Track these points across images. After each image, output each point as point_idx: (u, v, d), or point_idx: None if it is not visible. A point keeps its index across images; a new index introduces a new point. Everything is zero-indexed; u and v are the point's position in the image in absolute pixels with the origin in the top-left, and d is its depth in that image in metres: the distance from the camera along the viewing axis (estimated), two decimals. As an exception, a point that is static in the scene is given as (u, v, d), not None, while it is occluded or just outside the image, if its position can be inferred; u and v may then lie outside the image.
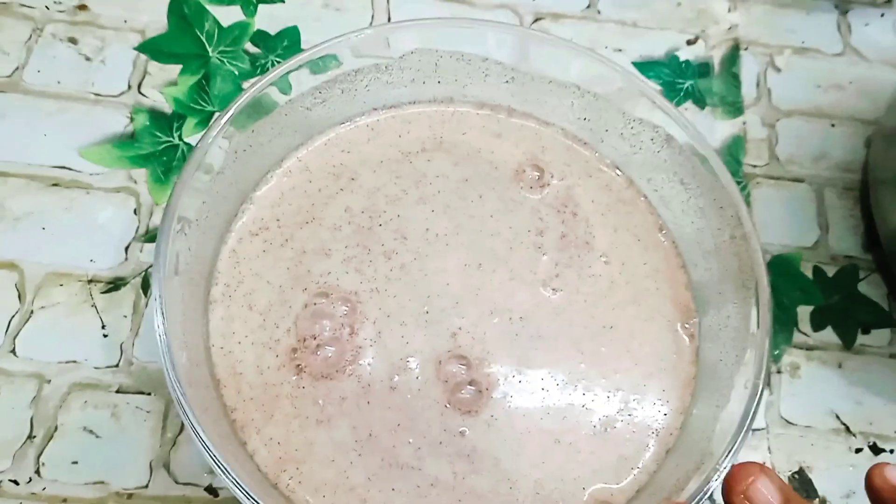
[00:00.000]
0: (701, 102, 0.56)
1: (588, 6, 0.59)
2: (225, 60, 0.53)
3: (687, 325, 0.42)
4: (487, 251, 0.43)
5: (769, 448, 0.46)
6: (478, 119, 0.47)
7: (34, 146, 0.49)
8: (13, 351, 0.44)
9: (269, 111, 0.42)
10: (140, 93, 0.52)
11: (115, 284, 0.46)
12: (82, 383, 0.44)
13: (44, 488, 0.42)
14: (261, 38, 0.55)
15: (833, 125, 0.56)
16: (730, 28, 0.59)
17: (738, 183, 0.41)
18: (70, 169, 0.49)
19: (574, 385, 0.40)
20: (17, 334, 0.45)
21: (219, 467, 0.33)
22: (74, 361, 0.44)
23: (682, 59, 0.57)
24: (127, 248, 0.47)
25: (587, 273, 0.43)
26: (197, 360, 0.38)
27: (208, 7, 0.55)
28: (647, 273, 0.44)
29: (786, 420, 0.47)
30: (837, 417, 0.47)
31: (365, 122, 0.46)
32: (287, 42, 0.55)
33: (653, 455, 0.39)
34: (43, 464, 0.42)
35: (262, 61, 0.54)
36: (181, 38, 0.54)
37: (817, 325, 0.50)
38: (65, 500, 0.42)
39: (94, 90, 0.52)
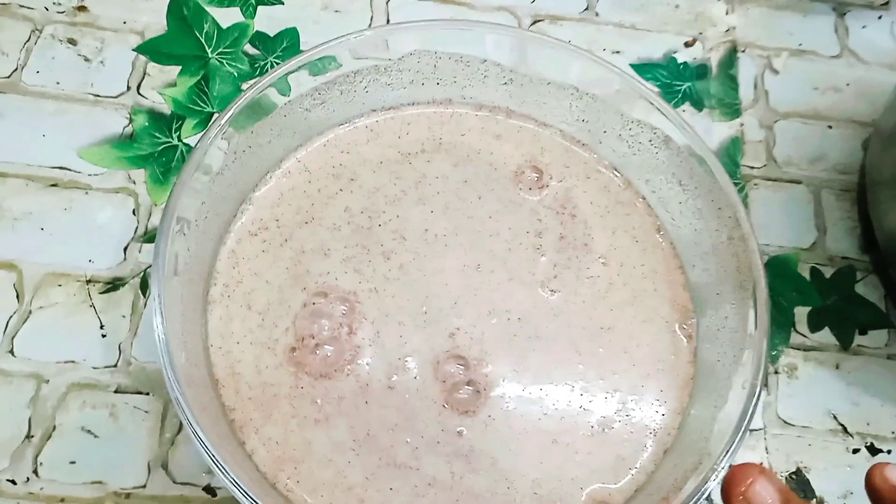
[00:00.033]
0: (699, 104, 0.56)
1: (586, 8, 0.59)
2: (224, 62, 0.54)
3: (685, 326, 0.42)
4: (486, 252, 0.43)
5: (767, 448, 0.46)
6: (477, 120, 0.47)
7: (33, 147, 0.49)
8: (11, 351, 0.44)
9: (268, 112, 0.43)
10: (139, 94, 0.52)
11: (114, 285, 0.46)
12: (80, 383, 0.44)
13: (42, 488, 0.42)
14: (260, 39, 0.55)
15: (830, 127, 0.56)
16: (727, 30, 0.59)
17: (736, 184, 0.41)
18: (69, 169, 0.49)
19: (572, 386, 0.40)
20: (15, 334, 0.45)
21: (217, 467, 0.33)
22: (73, 361, 0.44)
23: (679, 61, 0.58)
24: (126, 249, 0.47)
25: (585, 274, 0.43)
26: (195, 360, 0.38)
27: (208, 8, 0.55)
28: (645, 274, 0.44)
29: (783, 420, 0.47)
30: (835, 418, 0.47)
31: (364, 123, 0.46)
32: (286, 44, 0.55)
33: (651, 455, 0.39)
34: (41, 463, 0.42)
35: (262, 63, 0.54)
36: (180, 40, 0.54)
37: (815, 326, 0.50)
38: (62, 500, 0.42)
39: (94, 91, 0.52)
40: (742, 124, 0.56)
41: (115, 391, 0.44)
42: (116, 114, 0.51)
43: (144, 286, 0.46)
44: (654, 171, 0.45)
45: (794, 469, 0.46)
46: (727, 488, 0.31)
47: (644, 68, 0.57)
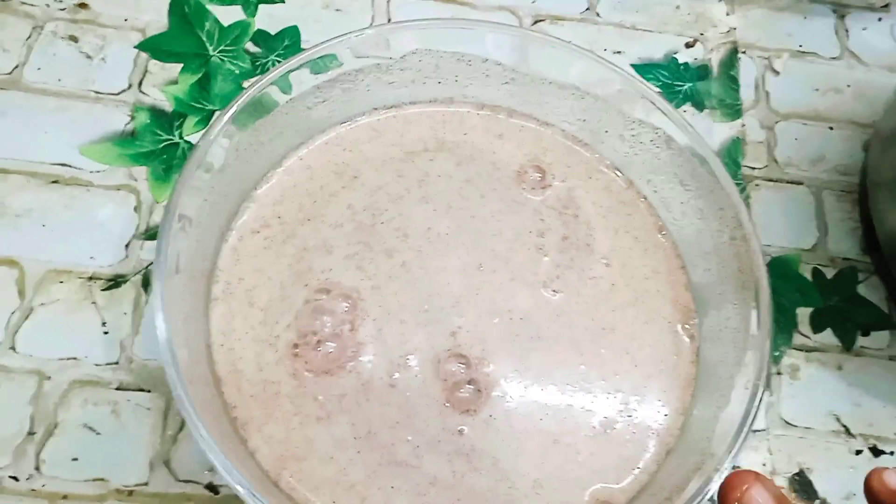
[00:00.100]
0: (699, 105, 0.56)
1: (587, 9, 0.59)
2: (225, 59, 0.53)
3: (687, 326, 0.42)
4: (488, 251, 0.43)
5: (769, 449, 0.46)
6: (479, 119, 0.47)
7: (35, 144, 0.49)
8: (13, 348, 0.44)
9: (269, 110, 0.43)
10: (141, 91, 0.52)
11: (116, 282, 0.46)
12: (82, 380, 0.44)
13: (44, 485, 0.42)
14: (261, 37, 0.55)
15: (831, 128, 0.57)
16: (728, 31, 0.59)
17: (737, 185, 0.41)
18: (70, 166, 0.49)
19: (573, 386, 0.40)
20: (17, 331, 0.45)
21: (220, 466, 0.33)
22: (75, 358, 0.44)
23: (680, 61, 0.58)
24: (127, 246, 0.47)
25: (588, 275, 0.43)
26: (197, 357, 0.38)
27: (209, 6, 0.55)
28: (647, 275, 0.44)
29: (786, 421, 0.47)
30: (837, 419, 0.47)
31: (366, 121, 0.46)
32: (287, 42, 0.55)
33: (653, 455, 0.39)
34: (43, 460, 0.42)
35: (263, 61, 0.54)
36: (182, 37, 0.54)
37: (817, 326, 0.50)
38: (65, 497, 0.42)
39: (95, 88, 0.52)
40: (743, 125, 0.56)
41: (117, 388, 0.44)
42: (118, 111, 0.51)
43: (146, 283, 0.46)
44: (655, 171, 0.45)
45: (796, 470, 0.46)
46: (723, 494, 0.31)
47: (645, 69, 0.57)
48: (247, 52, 0.54)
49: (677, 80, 0.57)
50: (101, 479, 0.42)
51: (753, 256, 0.40)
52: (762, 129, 0.56)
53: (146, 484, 0.42)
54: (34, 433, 0.43)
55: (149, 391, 0.44)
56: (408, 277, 0.41)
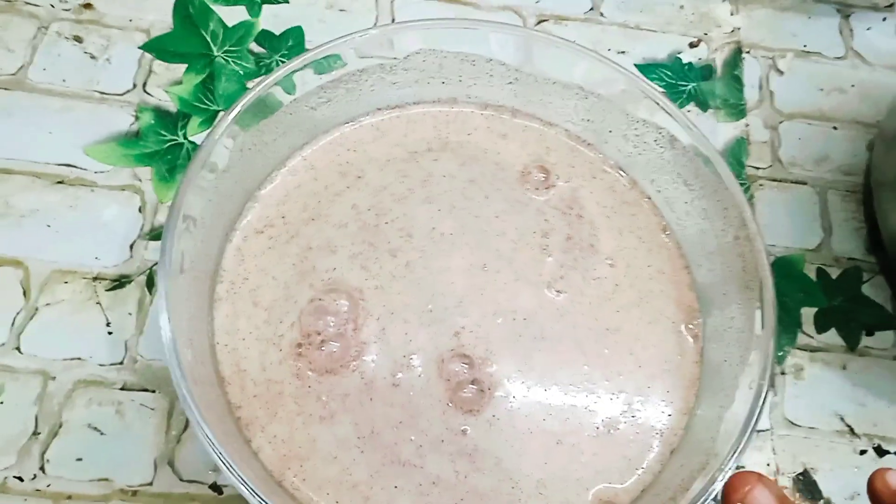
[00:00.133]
0: (703, 105, 0.56)
1: (591, 9, 0.59)
2: (230, 60, 0.54)
3: (691, 326, 0.42)
4: (492, 251, 0.43)
5: (773, 449, 0.46)
6: (482, 119, 0.47)
7: (39, 144, 0.49)
8: (18, 348, 0.44)
9: (273, 110, 0.43)
10: (145, 91, 0.52)
11: (120, 282, 0.46)
12: (87, 380, 0.44)
13: (48, 485, 0.42)
14: (265, 38, 0.55)
15: (835, 128, 0.56)
16: (732, 31, 0.59)
17: (741, 185, 0.41)
18: (75, 167, 0.49)
19: (577, 387, 0.40)
20: (21, 331, 0.45)
21: (225, 466, 0.33)
22: (79, 359, 0.44)
23: (684, 61, 0.58)
24: (132, 246, 0.47)
25: (592, 275, 0.43)
26: (202, 357, 0.38)
27: (213, 7, 0.55)
28: (651, 275, 0.44)
29: (790, 421, 0.47)
30: (842, 419, 0.47)
31: (370, 121, 0.46)
32: (291, 42, 0.55)
33: (657, 455, 0.39)
34: (47, 460, 0.42)
35: (267, 61, 0.54)
36: (186, 38, 0.54)
37: (821, 326, 0.50)
38: (69, 497, 0.42)
39: (100, 88, 0.52)
40: (747, 125, 0.56)
41: (122, 388, 0.44)
42: (122, 111, 0.51)
43: (150, 284, 0.46)
44: (659, 171, 0.45)
45: (800, 470, 0.46)
46: (726, 496, 0.31)
47: (649, 69, 0.57)
48: (251, 52, 0.54)
49: (681, 80, 0.57)
50: (106, 479, 0.42)
51: (757, 256, 0.40)
52: (766, 129, 0.56)
53: (150, 484, 0.42)
54: (39, 433, 0.43)
55: (153, 391, 0.44)
56: (412, 277, 0.41)
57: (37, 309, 0.45)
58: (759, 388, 0.37)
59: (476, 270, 0.42)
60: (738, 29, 0.59)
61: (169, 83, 0.52)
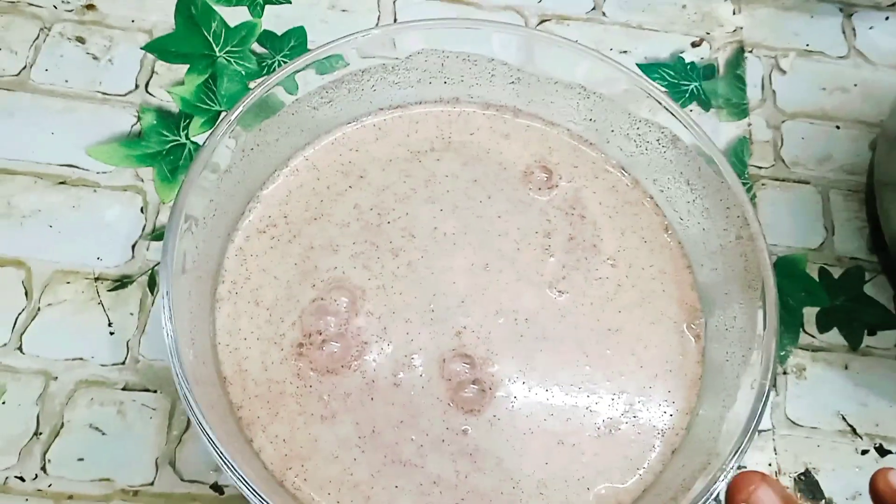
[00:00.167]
0: (706, 104, 0.56)
1: (593, 8, 0.59)
2: (232, 60, 0.54)
3: (693, 326, 0.42)
4: (495, 251, 0.43)
5: (775, 449, 0.46)
6: (484, 119, 0.47)
7: (42, 144, 0.50)
8: (20, 348, 0.44)
9: (275, 111, 0.43)
10: (147, 92, 0.52)
11: (122, 282, 0.46)
12: (88, 380, 0.44)
13: (50, 485, 0.42)
14: (267, 38, 0.55)
15: (838, 127, 0.56)
16: (734, 30, 0.59)
17: (744, 184, 0.41)
18: (77, 167, 0.49)
19: (578, 387, 0.40)
20: (24, 331, 0.45)
21: (226, 466, 0.33)
22: (81, 359, 0.44)
23: (687, 61, 0.57)
24: (134, 247, 0.47)
25: (594, 276, 0.43)
26: (203, 357, 0.38)
27: (215, 7, 0.55)
28: (653, 275, 0.44)
29: (792, 421, 0.47)
30: (844, 419, 0.47)
31: (372, 121, 0.46)
32: (294, 42, 0.55)
33: (658, 455, 0.39)
34: (49, 460, 0.42)
35: (269, 61, 0.54)
36: (188, 38, 0.54)
37: (823, 326, 0.50)
38: (70, 497, 0.42)
39: (102, 89, 0.52)
40: (749, 124, 0.56)
41: (123, 388, 0.44)
42: (124, 112, 0.51)
43: (152, 284, 0.46)
44: (661, 171, 0.45)
45: (802, 470, 0.46)
46: (730, 496, 0.31)
47: (651, 68, 0.57)
48: (253, 52, 0.54)
49: (683, 80, 0.57)
50: (107, 480, 0.42)
51: (760, 256, 0.40)
52: (769, 129, 0.56)
53: (151, 484, 0.42)
54: (40, 433, 0.43)
55: (154, 391, 0.44)
56: (414, 277, 0.42)
57: (39, 309, 0.45)
58: (761, 387, 0.37)
59: (478, 270, 0.42)
60: (741, 28, 0.59)
61: (171, 84, 0.52)
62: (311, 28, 0.56)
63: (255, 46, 0.54)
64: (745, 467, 0.38)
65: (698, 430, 0.39)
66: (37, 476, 0.42)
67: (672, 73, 0.57)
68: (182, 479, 0.42)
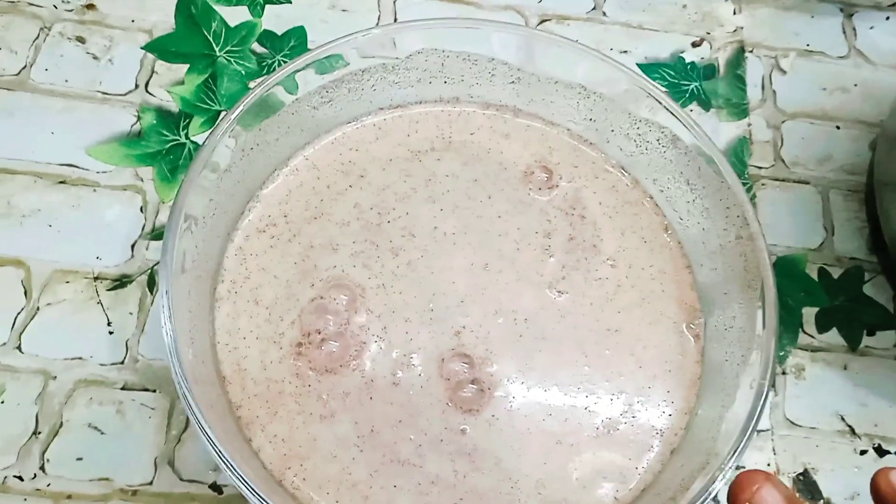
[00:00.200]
0: (706, 104, 0.56)
1: (593, 8, 0.59)
2: (232, 60, 0.54)
3: (692, 326, 0.42)
4: (495, 251, 0.43)
5: (774, 449, 0.46)
6: (485, 119, 0.47)
7: (41, 144, 0.50)
8: (19, 347, 0.44)
9: (275, 110, 0.43)
10: (147, 92, 0.52)
11: (121, 282, 0.46)
12: (88, 380, 0.44)
13: (48, 484, 0.42)
14: (268, 38, 0.55)
15: (838, 127, 0.56)
16: (735, 30, 0.59)
17: (744, 184, 0.41)
18: (77, 167, 0.49)
19: (577, 387, 0.40)
20: (23, 331, 0.45)
21: (226, 465, 0.33)
22: (80, 358, 0.44)
23: (687, 60, 0.58)
24: (133, 246, 0.47)
25: (594, 276, 0.43)
26: (203, 357, 0.38)
27: (216, 7, 0.55)
28: (652, 275, 0.44)
29: (791, 421, 0.47)
30: (842, 419, 0.47)
31: (371, 121, 0.46)
32: (294, 42, 0.55)
33: (657, 455, 0.39)
34: (48, 460, 0.42)
35: (269, 61, 0.54)
36: (188, 38, 0.54)
37: (822, 326, 0.50)
38: (69, 497, 0.42)
39: (102, 89, 0.52)
40: (750, 124, 0.56)
41: (122, 388, 0.44)
42: (124, 112, 0.51)
43: (152, 283, 0.47)
44: (661, 171, 0.45)
45: (801, 470, 0.46)
46: (733, 495, 0.31)
47: (651, 68, 0.57)
48: (253, 52, 0.54)
49: (684, 80, 0.57)
50: (106, 479, 0.42)
51: (759, 255, 0.40)
52: (769, 129, 0.56)
53: (150, 483, 0.42)
54: (39, 433, 0.43)
55: (154, 391, 0.44)
56: (413, 276, 0.42)
57: (38, 308, 0.45)
58: (760, 387, 0.37)
59: (478, 270, 0.42)
60: (741, 28, 0.59)
61: (171, 83, 0.52)
62: (312, 28, 0.56)
63: (256, 46, 0.55)
64: (743, 467, 0.38)
65: (697, 430, 0.39)
66: (35, 475, 0.42)
67: (672, 72, 0.57)
68: (181, 479, 0.42)
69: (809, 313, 0.50)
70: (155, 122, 0.51)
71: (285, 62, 0.50)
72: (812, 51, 0.59)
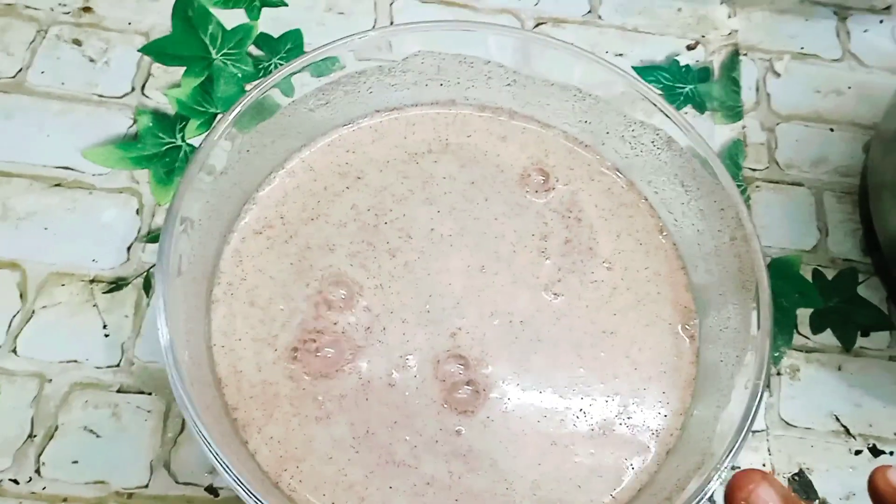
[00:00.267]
0: (701, 107, 0.56)
1: (589, 11, 0.59)
2: (228, 63, 0.54)
3: (687, 327, 0.42)
4: (491, 253, 0.43)
5: (769, 449, 0.46)
6: (481, 121, 0.47)
7: (38, 146, 0.50)
8: (14, 350, 0.44)
9: (271, 113, 0.43)
10: (143, 94, 0.52)
11: (117, 284, 0.46)
12: (83, 383, 0.44)
13: (44, 487, 0.42)
14: (264, 40, 0.55)
15: (832, 130, 0.57)
16: (729, 33, 0.59)
17: (738, 186, 0.41)
18: (73, 169, 0.49)
19: (572, 389, 0.40)
20: (18, 334, 0.45)
21: (222, 467, 0.33)
22: (75, 361, 0.44)
23: (682, 63, 0.58)
24: (129, 249, 0.47)
25: (589, 279, 0.43)
26: (198, 359, 0.38)
27: (212, 10, 0.55)
28: (648, 277, 0.44)
29: (786, 422, 0.47)
30: (837, 419, 0.47)
31: (368, 123, 0.46)
32: (290, 45, 0.55)
33: (653, 456, 0.39)
34: (43, 463, 0.42)
35: (266, 64, 0.54)
36: (185, 41, 0.54)
37: (817, 327, 0.50)
38: (65, 500, 0.42)
39: (98, 91, 0.52)
40: (744, 127, 0.56)
41: (118, 391, 0.44)
42: (121, 114, 0.51)
43: (147, 286, 0.47)
44: (656, 173, 0.45)
45: (796, 470, 0.46)
46: (730, 493, 0.31)
47: (646, 71, 0.57)
48: (249, 55, 0.54)
49: (679, 82, 0.57)
50: (101, 482, 0.42)
51: (754, 257, 0.40)
52: (763, 131, 0.56)
53: (146, 486, 0.42)
54: (35, 436, 0.43)
55: (149, 393, 0.44)
56: (410, 277, 0.42)
57: (34, 311, 0.45)
58: (755, 388, 0.37)
59: (474, 272, 0.42)
60: (736, 31, 0.60)
61: (167, 86, 0.52)
62: (308, 30, 0.56)
63: (252, 49, 0.55)
64: (738, 467, 0.38)
65: (693, 430, 0.39)
66: (31, 479, 0.42)
67: (667, 75, 0.57)
68: (177, 482, 0.42)
69: (804, 314, 0.50)
70: (151, 124, 0.51)
71: (282, 65, 0.50)
72: (806, 53, 0.59)
